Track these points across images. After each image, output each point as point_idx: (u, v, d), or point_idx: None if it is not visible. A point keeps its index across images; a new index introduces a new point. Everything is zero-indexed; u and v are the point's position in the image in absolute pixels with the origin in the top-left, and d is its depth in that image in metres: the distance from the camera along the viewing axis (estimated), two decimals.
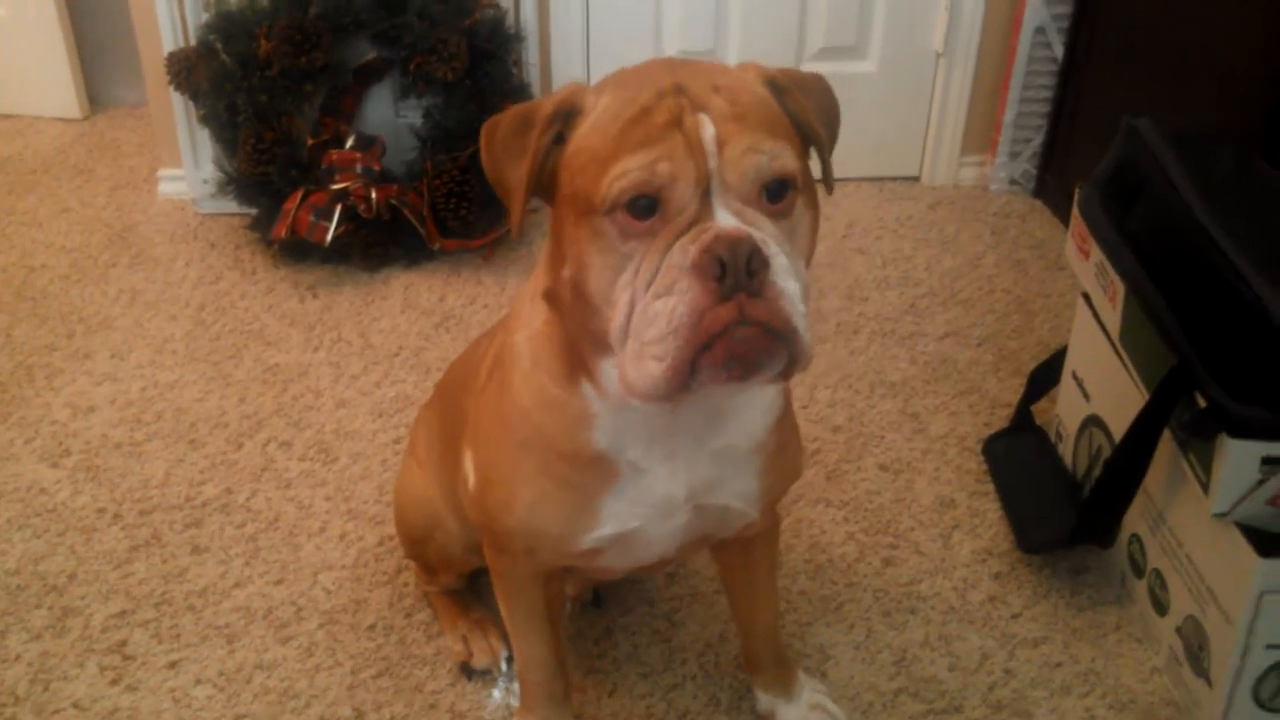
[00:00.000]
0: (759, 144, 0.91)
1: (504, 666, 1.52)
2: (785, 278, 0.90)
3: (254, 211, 2.51)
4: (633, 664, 1.54)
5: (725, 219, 0.89)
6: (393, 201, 2.39)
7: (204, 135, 2.61)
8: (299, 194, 2.37)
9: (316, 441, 1.96)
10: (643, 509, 1.13)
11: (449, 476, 1.39)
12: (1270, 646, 1.35)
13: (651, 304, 0.90)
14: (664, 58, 1.00)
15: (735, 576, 1.38)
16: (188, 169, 2.71)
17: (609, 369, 1.01)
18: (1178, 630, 1.49)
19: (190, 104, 2.58)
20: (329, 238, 2.36)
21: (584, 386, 1.06)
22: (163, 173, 2.79)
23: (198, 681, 1.51)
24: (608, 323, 0.94)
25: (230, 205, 2.59)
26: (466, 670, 1.52)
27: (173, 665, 1.54)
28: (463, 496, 1.33)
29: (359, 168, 2.39)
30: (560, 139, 0.97)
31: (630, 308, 0.91)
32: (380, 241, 2.43)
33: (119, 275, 2.47)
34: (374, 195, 2.37)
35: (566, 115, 0.97)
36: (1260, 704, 1.39)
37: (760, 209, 0.92)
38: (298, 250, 2.46)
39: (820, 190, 1.01)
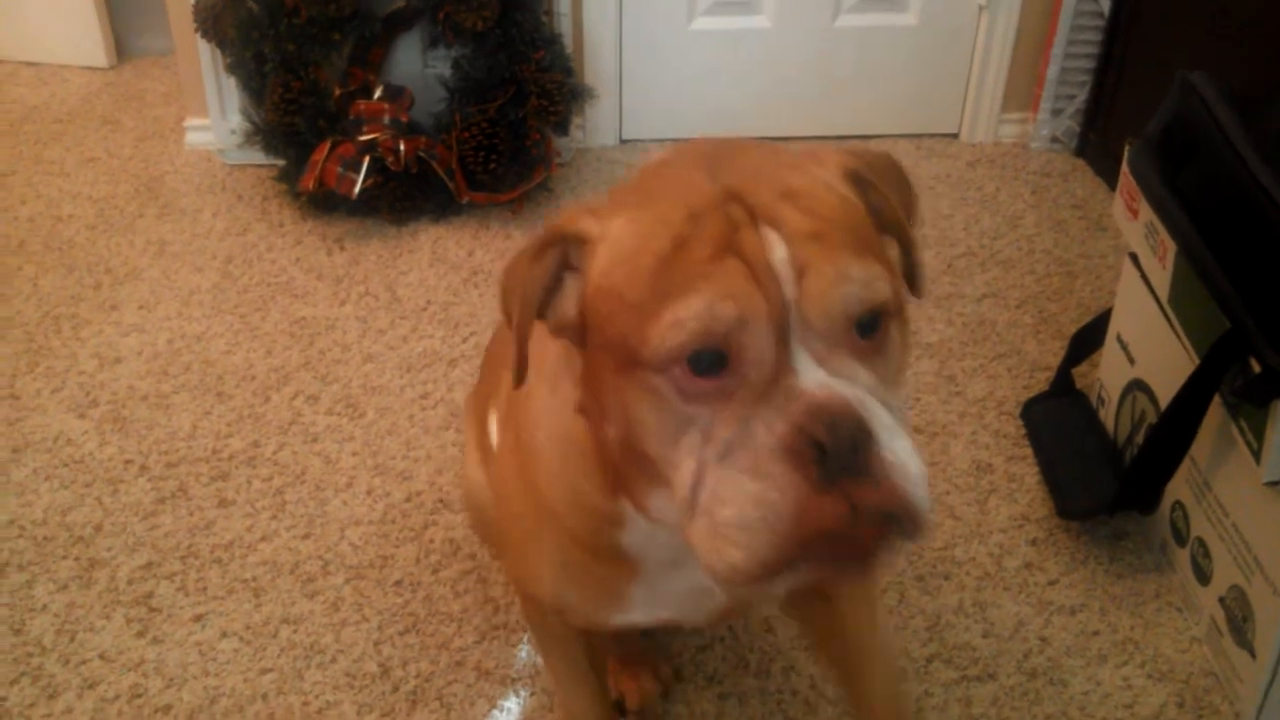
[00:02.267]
0: (848, 269, 0.72)
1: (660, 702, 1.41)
2: (895, 441, 0.71)
3: (281, 162, 2.48)
4: None
5: (812, 374, 0.71)
6: (421, 154, 2.36)
7: (231, 85, 2.58)
8: (326, 145, 2.34)
9: (344, 396, 1.94)
10: (673, 599, 1.01)
11: None
12: None
13: (730, 480, 0.71)
14: (697, 143, 0.81)
15: (822, 636, 1.19)
16: (215, 119, 2.68)
17: (660, 501, 0.82)
18: (1221, 600, 1.45)
19: (217, 53, 2.55)
20: (357, 190, 2.33)
21: (624, 500, 0.89)
22: (190, 123, 2.76)
23: (224, 635, 1.50)
24: (667, 484, 0.76)
25: (257, 156, 2.56)
26: (620, 707, 1.39)
27: (199, 618, 1.53)
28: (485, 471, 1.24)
29: (387, 119, 2.35)
30: (571, 268, 0.80)
31: (697, 477, 0.73)
32: (408, 194, 2.40)
33: (146, 226, 2.45)
34: (402, 147, 2.33)
35: (563, 241, 0.79)
36: None
37: (850, 348, 0.73)
38: (325, 202, 2.43)
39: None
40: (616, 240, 0.77)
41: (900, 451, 0.72)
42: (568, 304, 0.80)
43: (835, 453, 0.69)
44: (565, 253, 0.79)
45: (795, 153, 0.80)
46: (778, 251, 0.72)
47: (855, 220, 0.77)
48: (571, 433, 0.89)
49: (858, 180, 0.81)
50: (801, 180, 0.77)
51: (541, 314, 0.81)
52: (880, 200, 0.81)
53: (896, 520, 0.71)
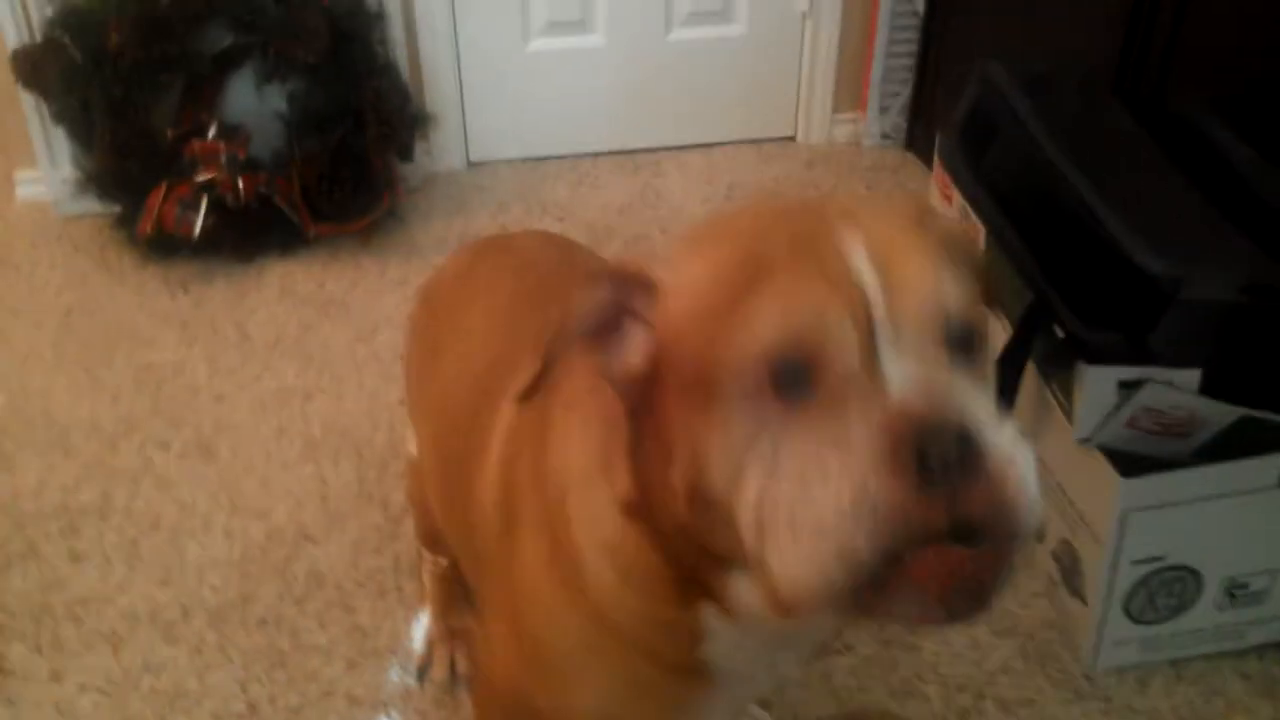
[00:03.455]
0: (939, 272, 0.68)
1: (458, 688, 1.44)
2: (1001, 436, 0.64)
3: (117, 209, 2.43)
4: None
5: (904, 380, 0.64)
6: (261, 190, 2.34)
7: (60, 134, 2.52)
8: (162, 188, 2.30)
9: (195, 439, 1.91)
10: (726, 707, 0.95)
11: (446, 494, 1.16)
12: (1136, 562, 1.41)
13: (809, 495, 0.64)
14: (768, 199, 0.82)
15: None
16: (45, 169, 2.61)
17: (742, 588, 0.76)
18: (1053, 555, 1.54)
19: (42, 103, 2.48)
20: (197, 230, 2.30)
21: (703, 607, 0.81)
22: (19, 175, 2.67)
23: (82, 689, 1.47)
24: (739, 525, 0.69)
25: (93, 205, 2.49)
26: (421, 672, 1.48)
27: (55, 676, 1.49)
28: (482, 620, 1.07)
29: (223, 157, 2.33)
30: (635, 316, 0.75)
31: (771, 496, 0.66)
32: (252, 231, 2.37)
33: None
34: (241, 184, 2.31)
35: (622, 282, 0.75)
36: (1131, 617, 1.45)
37: (944, 358, 0.67)
38: (166, 246, 2.38)
39: None
40: (693, 279, 0.72)
41: (1018, 459, 0.64)
42: (632, 353, 0.74)
43: (936, 456, 0.61)
44: (624, 297, 0.74)
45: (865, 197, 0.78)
46: (860, 252, 0.67)
47: (938, 234, 0.73)
48: (622, 544, 0.81)
49: (932, 219, 0.76)
50: (877, 204, 0.74)
51: (590, 350, 0.75)
52: (961, 246, 0.76)
53: (1008, 528, 0.63)
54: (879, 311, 0.65)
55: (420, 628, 1.52)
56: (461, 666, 1.47)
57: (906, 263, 0.67)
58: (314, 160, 2.34)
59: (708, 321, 0.69)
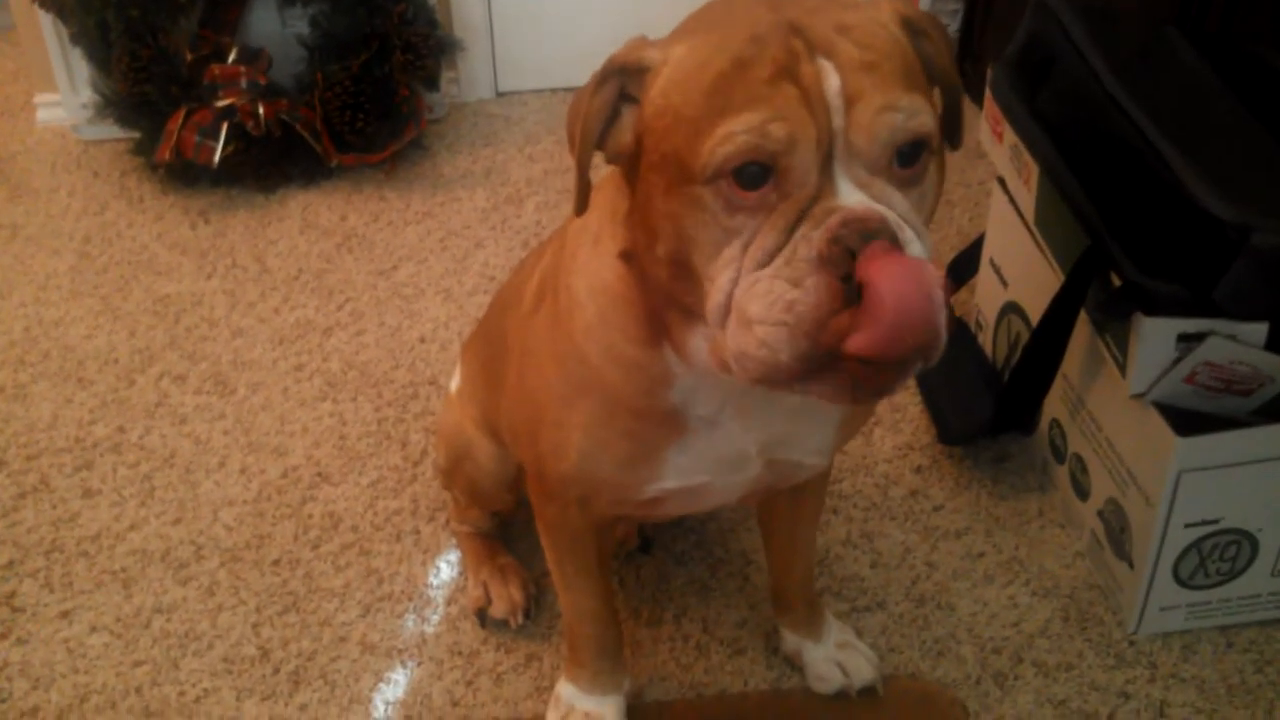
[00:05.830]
0: (895, 100, 0.76)
1: (521, 619, 1.42)
2: (922, 255, 0.76)
3: (137, 135, 2.37)
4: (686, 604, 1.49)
5: (851, 194, 0.76)
6: (283, 117, 2.27)
7: (79, 56, 2.45)
8: (181, 113, 2.24)
9: (212, 373, 1.87)
10: (710, 463, 1.03)
11: (489, 400, 1.29)
12: (1189, 525, 1.33)
13: (764, 284, 0.76)
14: None
15: (779, 519, 1.29)
16: (65, 93, 2.55)
17: (699, 341, 0.88)
18: (1099, 514, 1.47)
19: (60, 23, 2.41)
20: (216, 158, 2.23)
21: (666, 350, 0.94)
22: (39, 99, 2.62)
23: (93, 629, 1.44)
24: (706, 298, 0.81)
25: (113, 130, 2.44)
26: (482, 617, 1.43)
27: (65, 615, 1.46)
28: (503, 425, 1.24)
29: (244, 82, 2.26)
30: (629, 99, 0.84)
31: (733, 284, 0.78)
32: (273, 160, 2.31)
33: None
34: (262, 111, 2.24)
35: (623, 72, 0.83)
36: (1180, 582, 1.38)
37: (890, 177, 0.78)
38: (186, 174, 2.32)
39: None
40: (678, 63, 0.81)
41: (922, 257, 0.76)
42: (624, 132, 0.85)
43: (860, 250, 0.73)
44: (624, 85, 0.84)
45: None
46: (831, 81, 0.75)
47: (905, 58, 0.80)
48: (610, 286, 0.94)
49: (910, 26, 0.84)
50: (857, 18, 0.80)
51: (600, 145, 0.86)
52: (930, 48, 0.84)
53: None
54: (839, 136, 0.76)
55: (475, 582, 1.45)
56: (518, 597, 1.43)
57: (873, 91, 0.76)
58: (337, 87, 2.27)
59: (689, 112, 0.78)
